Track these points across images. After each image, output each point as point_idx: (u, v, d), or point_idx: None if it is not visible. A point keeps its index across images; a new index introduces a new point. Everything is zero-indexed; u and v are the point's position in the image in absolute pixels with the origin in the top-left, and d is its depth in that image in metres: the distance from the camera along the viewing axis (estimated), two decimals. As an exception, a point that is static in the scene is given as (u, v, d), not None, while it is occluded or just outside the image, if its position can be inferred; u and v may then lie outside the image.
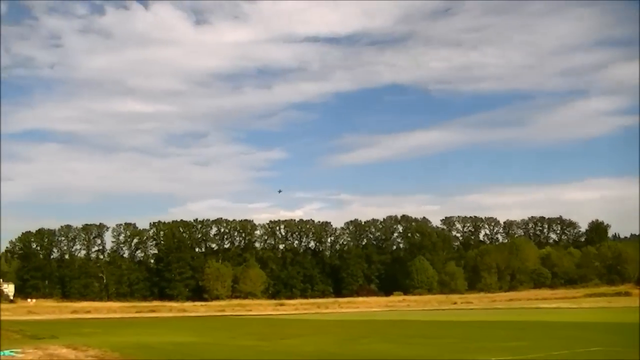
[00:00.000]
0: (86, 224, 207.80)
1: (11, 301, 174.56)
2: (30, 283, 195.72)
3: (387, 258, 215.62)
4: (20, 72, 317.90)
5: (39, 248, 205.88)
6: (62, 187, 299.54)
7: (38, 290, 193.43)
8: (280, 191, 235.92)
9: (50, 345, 41.91)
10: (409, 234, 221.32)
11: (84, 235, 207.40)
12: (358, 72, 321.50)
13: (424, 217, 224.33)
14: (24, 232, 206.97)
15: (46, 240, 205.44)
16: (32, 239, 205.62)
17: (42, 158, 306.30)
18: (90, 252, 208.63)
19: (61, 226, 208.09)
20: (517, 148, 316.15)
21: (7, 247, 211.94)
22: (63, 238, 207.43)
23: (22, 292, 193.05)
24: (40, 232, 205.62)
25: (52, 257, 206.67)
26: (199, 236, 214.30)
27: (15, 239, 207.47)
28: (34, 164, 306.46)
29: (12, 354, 35.85)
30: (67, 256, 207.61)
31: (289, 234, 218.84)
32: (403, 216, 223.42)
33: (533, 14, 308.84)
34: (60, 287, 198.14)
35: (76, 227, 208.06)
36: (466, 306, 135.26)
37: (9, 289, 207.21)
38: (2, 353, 35.83)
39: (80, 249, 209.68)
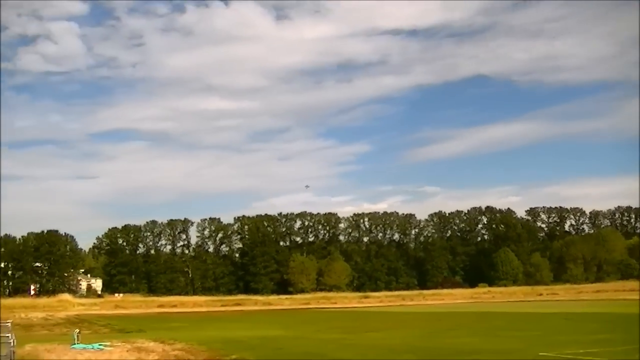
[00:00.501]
0: (171, 220, 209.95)
1: (99, 296, 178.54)
2: (117, 278, 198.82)
3: (471, 249, 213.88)
4: (103, 72, 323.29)
5: (125, 244, 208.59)
6: (146, 186, 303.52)
7: (125, 285, 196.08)
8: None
9: (138, 339, 42.57)
10: (494, 225, 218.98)
11: (169, 231, 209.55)
12: (438, 64, 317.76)
13: (508, 209, 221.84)
14: (110, 228, 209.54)
15: (132, 236, 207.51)
16: (119, 235, 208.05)
17: (125, 157, 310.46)
18: (175, 247, 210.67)
19: (146, 222, 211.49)
20: (601, 139, 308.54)
21: (94, 244, 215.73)
22: (148, 234, 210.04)
23: (109, 287, 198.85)
24: (126, 228, 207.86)
25: (138, 252, 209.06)
26: (283, 230, 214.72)
27: (102, 235, 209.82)
28: (117, 163, 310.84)
29: (101, 347, 36.53)
30: (152, 251, 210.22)
31: (373, 226, 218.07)
32: (487, 207, 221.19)
33: (614, 2, 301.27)
34: (146, 281, 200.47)
35: (161, 223, 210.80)
36: (552, 298, 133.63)
37: (97, 284, 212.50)
38: (91, 346, 36.52)
39: (166, 244, 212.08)
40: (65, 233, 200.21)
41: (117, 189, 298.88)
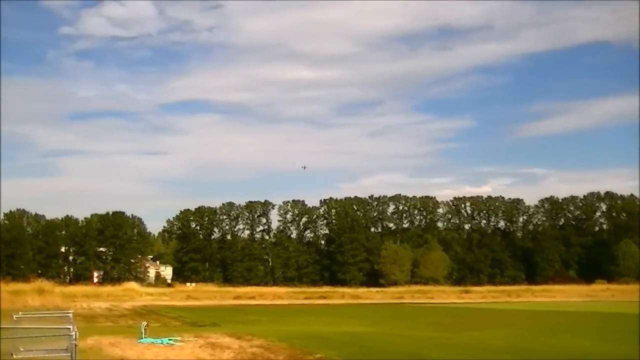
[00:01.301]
0: (250, 202, 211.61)
1: (169, 285, 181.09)
2: (189, 265, 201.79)
3: (588, 241, 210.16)
4: (176, 36, 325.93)
5: (198, 228, 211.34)
6: (221, 163, 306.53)
7: (198, 273, 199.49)
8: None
9: (212, 333, 43.01)
10: (614, 214, 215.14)
11: (247, 214, 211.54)
12: (550, 29, 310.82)
13: (631, 195, 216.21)
14: (182, 210, 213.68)
15: (207, 219, 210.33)
16: (191, 218, 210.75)
17: (198, 131, 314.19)
18: (254, 233, 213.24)
19: (222, 204, 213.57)
20: None
21: (164, 227, 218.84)
22: (225, 217, 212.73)
23: (180, 275, 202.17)
24: (200, 210, 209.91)
25: (212, 237, 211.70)
26: (375, 214, 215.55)
27: (173, 218, 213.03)
28: (190, 137, 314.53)
29: (171, 342, 36.87)
30: (229, 237, 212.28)
31: (476, 212, 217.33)
32: (607, 193, 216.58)
33: None
34: (221, 270, 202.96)
35: (239, 205, 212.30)
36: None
37: (167, 272, 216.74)
38: (161, 341, 36.96)
39: (244, 228, 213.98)
40: (132, 215, 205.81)
41: (190, 166, 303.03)
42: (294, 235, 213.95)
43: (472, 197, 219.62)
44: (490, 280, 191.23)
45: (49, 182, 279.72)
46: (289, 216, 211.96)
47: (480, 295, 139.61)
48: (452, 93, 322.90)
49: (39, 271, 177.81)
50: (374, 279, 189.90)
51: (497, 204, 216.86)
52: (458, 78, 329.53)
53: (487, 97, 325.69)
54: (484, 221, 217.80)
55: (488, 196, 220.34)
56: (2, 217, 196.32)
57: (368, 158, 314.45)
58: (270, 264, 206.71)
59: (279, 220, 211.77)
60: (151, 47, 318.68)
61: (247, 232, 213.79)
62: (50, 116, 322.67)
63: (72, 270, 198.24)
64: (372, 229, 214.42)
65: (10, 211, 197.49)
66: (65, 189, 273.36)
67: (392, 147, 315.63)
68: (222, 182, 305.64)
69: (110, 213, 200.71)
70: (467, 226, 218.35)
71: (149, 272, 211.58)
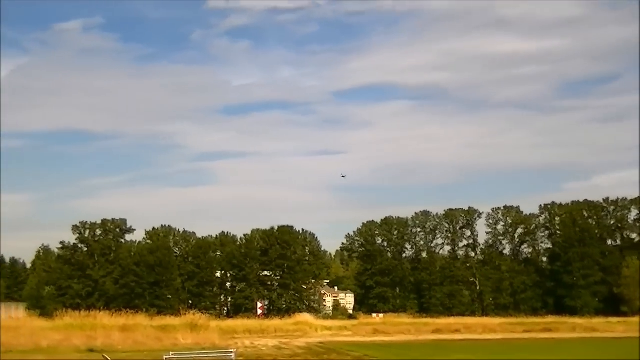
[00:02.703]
0: (450, 209, 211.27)
1: (351, 316, 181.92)
2: (375, 292, 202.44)
3: None
4: (351, 6, 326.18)
5: (386, 244, 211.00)
6: (412, 161, 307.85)
7: (386, 301, 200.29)
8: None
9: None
10: None
11: (447, 225, 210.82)
12: None
13: None
14: (364, 222, 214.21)
15: (396, 232, 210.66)
16: (377, 232, 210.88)
17: (384, 123, 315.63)
18: (456, 248, 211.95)
19: (415, 213, 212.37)
20: None
21: (343, 244, 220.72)
22: (419, 229, 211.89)
23: (364, 303, 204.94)
24: (387, 221, 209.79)
25: (404, 255, 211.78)
26: (612, 223, 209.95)
27: (354, 232, 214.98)
28: (373, 130, 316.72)
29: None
30: (424, 254, 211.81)
31: None
32: None
33: None
34: (416, 296, 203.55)
35: (436, 214, 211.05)
36: None
37: (347, 300, 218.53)
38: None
39: (443, 243, 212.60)
40: (302, 230, 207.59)
41: (373, 168, 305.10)
42: (507, 251, 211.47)
43: None
44: None
45: (200, 192, 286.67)
46: (499, 227, 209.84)
47: None
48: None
49: (190, 302, 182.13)
50: (613, 305, 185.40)
51: None
52: None
53: None
54: None
55: None
56: (142, 235, 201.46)
57: (601, 150, 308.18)
58: (477, 288, 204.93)
59: (487, 232, 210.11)
60: (321, 20, 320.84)
61: (447, 247, 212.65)
62: (200, 111, 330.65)
63: (230, 299, 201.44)
64: (609, 242, 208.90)
65: (154, 228, 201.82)
66: (220, 199, 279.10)
67: (631, 135, 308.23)
68: (414, 186, 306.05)
69: (276, 228, 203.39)
70: None
71: (325, 300, 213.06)
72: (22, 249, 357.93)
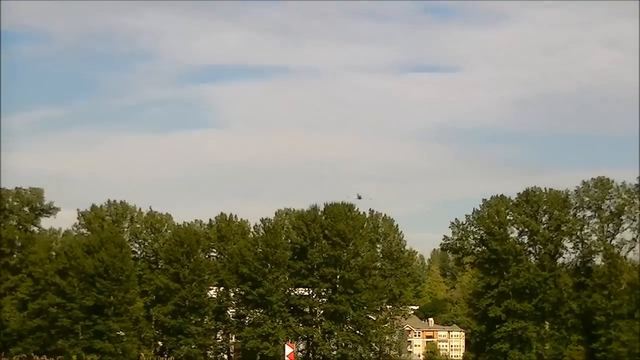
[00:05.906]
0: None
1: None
2: (505, 328, 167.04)
3: None
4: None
5: (525, 239, 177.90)
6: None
7: (526, 344, 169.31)
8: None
9: None
10: None
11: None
12: None
13: None
14: (488, 199, 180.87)
15: (546, 217, 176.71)
16: (510, 217, 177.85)
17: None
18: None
19: (583, 182, 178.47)
20: None
21: (444, 239, 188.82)
22: (589, 213, 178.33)
23: (483, 349, 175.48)
24: (530, 197, 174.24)
25: (559, 261, 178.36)
26: None
27: (469, 217, 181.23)
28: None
29: None
30: (598, 258, 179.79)
31: None
32: None
33: None
34: (582, 337, 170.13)
35: (623, 185, 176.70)
36: None
37: (452, 342, 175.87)
38: None
39: (635, 239, 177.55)
40: (371, 211, 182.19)
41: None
42: None
43: None
44: None
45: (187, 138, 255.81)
46: None
47: None
48: None
49: (161, 344, 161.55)
50: None
51: None
52: None
53: None
54: None
55: None
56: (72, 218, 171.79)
57: None
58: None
59: None
60: None
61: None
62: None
63: (234, 340, 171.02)
64: None
65: (93, 207, 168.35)
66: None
67: None
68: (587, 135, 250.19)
69: (322, 208, 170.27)
70: None
71: (411, 343, 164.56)
72: None
